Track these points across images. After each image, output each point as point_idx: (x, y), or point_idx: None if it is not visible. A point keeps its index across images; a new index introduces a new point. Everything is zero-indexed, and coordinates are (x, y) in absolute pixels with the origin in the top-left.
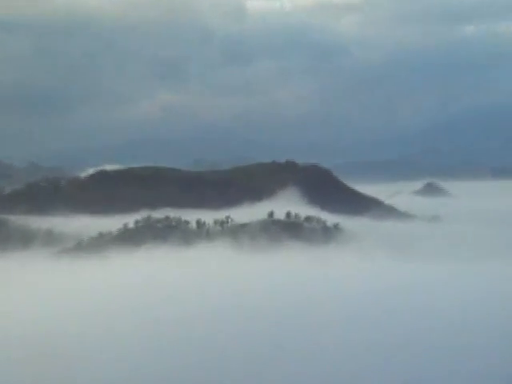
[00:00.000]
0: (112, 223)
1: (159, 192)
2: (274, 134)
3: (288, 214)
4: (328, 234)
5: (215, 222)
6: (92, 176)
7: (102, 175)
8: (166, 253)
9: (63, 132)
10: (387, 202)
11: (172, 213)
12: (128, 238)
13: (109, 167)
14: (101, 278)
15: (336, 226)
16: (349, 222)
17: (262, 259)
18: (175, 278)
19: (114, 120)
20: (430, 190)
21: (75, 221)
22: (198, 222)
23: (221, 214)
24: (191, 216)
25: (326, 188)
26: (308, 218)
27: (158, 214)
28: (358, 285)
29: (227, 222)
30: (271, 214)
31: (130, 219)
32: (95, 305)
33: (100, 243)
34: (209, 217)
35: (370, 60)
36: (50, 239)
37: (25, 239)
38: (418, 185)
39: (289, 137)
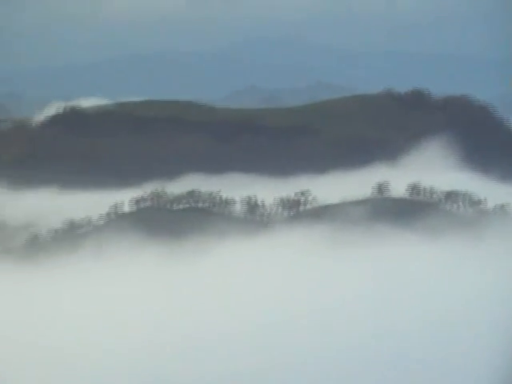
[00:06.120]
0: (89, 204)
1: (176, 146)
2: None
3: (414, 188)
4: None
5: (281, 203)
6: (54, 118)
7: (73, 115)
8: (174, 269)
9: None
10: None
11: (201, 183)
12: (115, 233)
13: (85, 102)
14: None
15: (503, 209)
16: None
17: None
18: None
19: None
20: None
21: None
22: (249, 203)
23: (289, 187)
24: (235, 189)
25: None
26: (451, 195)
27: (176, 185)
28: None
29: (302, 203)
30: (381, 188)
31: (125, 197)
32: None
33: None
34: (268, 191)
35: None
36: None
37: None
38: None
39: None
